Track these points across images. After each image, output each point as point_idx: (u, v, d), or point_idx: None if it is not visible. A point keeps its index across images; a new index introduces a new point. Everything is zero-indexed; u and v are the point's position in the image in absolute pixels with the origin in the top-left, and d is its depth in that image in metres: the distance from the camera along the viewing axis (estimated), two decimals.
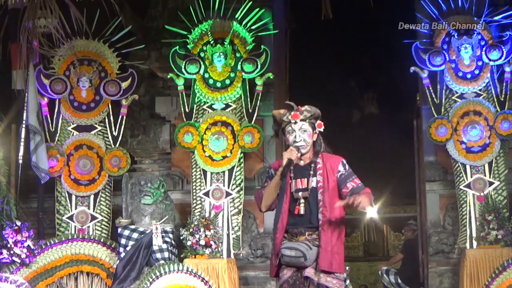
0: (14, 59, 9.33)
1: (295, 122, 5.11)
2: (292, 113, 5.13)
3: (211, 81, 9.60)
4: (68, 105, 9.69)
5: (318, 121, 5.18)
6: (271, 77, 9.57)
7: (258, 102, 9.54)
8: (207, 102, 9.62)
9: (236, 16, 9.64)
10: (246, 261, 9.88)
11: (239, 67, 9.57)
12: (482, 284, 8.65)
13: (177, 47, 9.64)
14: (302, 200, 5.08)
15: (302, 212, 5.06)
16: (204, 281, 8.35)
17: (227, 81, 9.57)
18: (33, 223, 9.41)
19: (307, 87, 13.97)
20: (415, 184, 10.95)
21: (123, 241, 8.94)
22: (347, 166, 5.15)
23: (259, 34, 9.67)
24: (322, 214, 5.04)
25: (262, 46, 9.61)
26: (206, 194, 9.42)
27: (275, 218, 5.23)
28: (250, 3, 9.63)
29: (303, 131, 5.11)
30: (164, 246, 8.86)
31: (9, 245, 8.66)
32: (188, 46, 9.66)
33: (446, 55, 9.43)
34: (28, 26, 8.56)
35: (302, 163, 5.18)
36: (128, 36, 9.78)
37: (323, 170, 5.11)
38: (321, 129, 5.19)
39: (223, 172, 9.45)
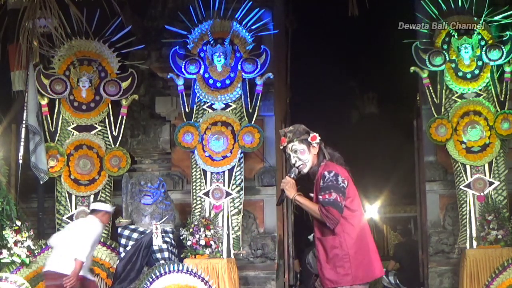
0: (12, 61, 9.33)
1: (284, 147, 5.07)
2: (281, 139, 5.10)
3: (211, 81, 9.60)
4: (68, 105, 9.69)
5: (311, 135, 4.99)
6: (271, 77, 9.57)
7: (258, 102, 9.54)
8: (207, 102, 9.63)
9: (236, 16, 9.65)
10: (246, 261, 9.88)
11: (239, 67, 9.57)
12: (482, 284, 8.65)
13: (177, 47, 9.65)
14: (311, 217, 5.05)
15: (311, 237, 5.08)
16: (204, 281, 8.35)
17: (227, 81, 9.57)
18: (33, 223, 9.42)
19: (307, 87, 13.97)
20: (415, 184, 10.95)
21: (123, 241, 8.94)
22: (327, 178, 4.81)
23: (259, 34, 9.68)
24: (314, 230, 5.01)
25: (262, 46, 9.61)
26: (206, 194, 9.42)
27: None
28: (250, 3, 9.63)
29: (295, 151, 5.00)
30: (164, 246, 8.86)
31: (9, 245, 8.66)
32: (188, 46, 9.67)
33: (446, 55, 9.43)
34: (29, 26, 8.56)
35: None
36: (128, 36, 9.78)
37: (315, 183, 4.97)
38: (317, 141, 4.96)
39: (223, 172, 9.45)
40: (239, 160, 9.50)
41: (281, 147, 5.04)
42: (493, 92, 9.36)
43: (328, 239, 4.83)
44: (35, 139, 9.18)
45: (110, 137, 9.71)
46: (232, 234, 9.32)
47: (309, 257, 5.08)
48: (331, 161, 4.98)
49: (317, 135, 5.00)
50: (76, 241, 7.29)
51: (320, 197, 4.79)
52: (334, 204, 4.73)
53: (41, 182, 9.37)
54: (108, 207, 7.83)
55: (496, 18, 9.40)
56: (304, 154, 4.98)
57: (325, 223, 4.76)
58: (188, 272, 8.36)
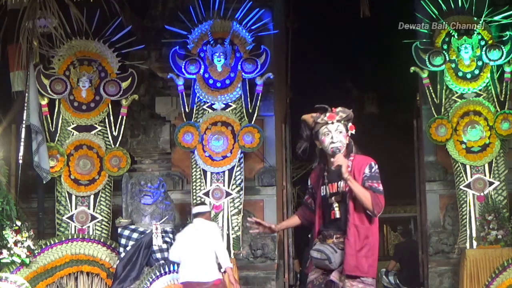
0: (11, 61, 9.32)
1: (332, 123, 5.09)
2: (328, 114, 5.09)
3: (211, 81, 9.60)
4: (68, 105, 9.69)
5: (350, 124, 5.11)
6: (271, 77, 9.58)
7: (258, 102, 9.54)
8: (207, 102, 9.63)
9: (236, 16, 9.65)
10: (246, 261, 9.87)
11: (239, 67, 9.57)
12: (482, 284, 8.65)
13: (177, 47, 9.65)
14: (336, 204, 5.05)
15: (337, 216, 5.04)
16: None
17: (227, 81, 9.57)
18: (33, 223, 9.41)
19: (308, 87, 13.97)
20: (415, 184, 10.94)
21: (123, 241, 8.94)
22: (374, 169, 5.00)
23: (259, 34, 9.68)
24: (347, 218, 5.01)
25: (262, 46, 9.62)
26: (206, 194, 9.42)
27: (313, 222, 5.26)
28: (250, 3, 9.64)
29: (339, 132, 5.04)
30: (164, 246, 8.85)
31: (9, 245, 8.66)
32: (188, 46, 9.67)
33: (446, 55, 9.43)
34: (29, 26, 8.57)
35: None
36: (128, 36, 9.78)
37: (351, 173, 5.00)
38: (353, 132, 5.10)
39: (223, 172, 9.45)
40: (239, 160, 9.50)
41: (329, 122, 5.05)
42: (493, 92, 9.36)
43: (364, 227, 4.94)
44: (37, 138, 9.18)
45: (110, 137, 9.71)
46: (232, 234, 9.32)
47: (326, 251, 5.03)
48: None
49: (354, 126, 5.13)
50: (220, 251, 7.47)
51: (370, 184, 4.92)
52: (383, 194, 4.93)
53: (44, 182, 9.36)
54: (209, 207, 7.98)
55: (496, 18, 9.41)
56: (345, 138, 5.09)
57: (367, 210, 4.90)
58: None
